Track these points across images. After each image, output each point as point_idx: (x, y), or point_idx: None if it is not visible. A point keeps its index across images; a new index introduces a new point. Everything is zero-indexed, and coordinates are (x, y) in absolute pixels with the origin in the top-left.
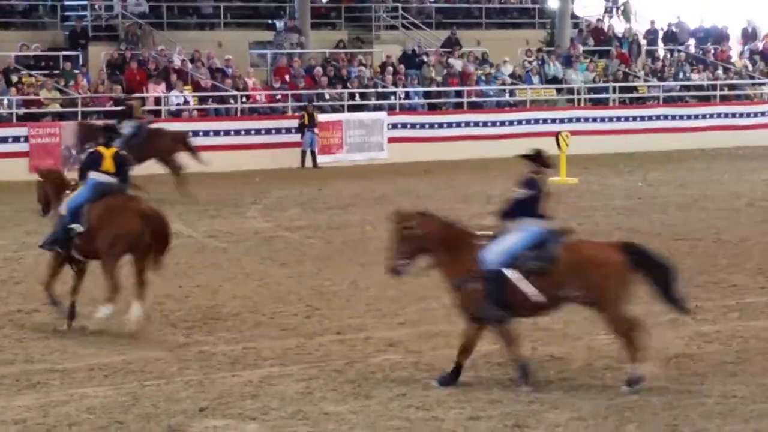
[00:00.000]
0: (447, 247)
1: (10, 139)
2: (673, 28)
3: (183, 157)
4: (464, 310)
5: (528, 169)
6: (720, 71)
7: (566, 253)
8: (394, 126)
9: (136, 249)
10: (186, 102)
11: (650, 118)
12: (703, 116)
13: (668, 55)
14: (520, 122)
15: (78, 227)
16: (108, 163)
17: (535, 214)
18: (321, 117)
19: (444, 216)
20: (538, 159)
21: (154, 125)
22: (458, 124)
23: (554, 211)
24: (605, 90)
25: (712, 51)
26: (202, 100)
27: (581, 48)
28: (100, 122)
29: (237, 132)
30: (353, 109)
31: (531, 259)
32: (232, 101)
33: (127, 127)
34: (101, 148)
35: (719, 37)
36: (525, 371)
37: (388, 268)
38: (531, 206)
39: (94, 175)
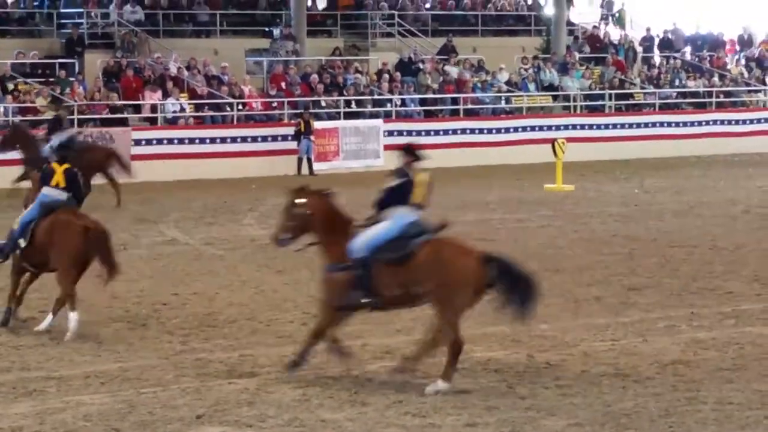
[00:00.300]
0: (328, 231)
1: None
2: (669, 35)
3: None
4: (328, 296)
5: (403, 161)
6: (716, 78)
7: (426, 249)
8: (390, 133)
9: (77, 264)
10: (182, 109)
11: (646, 125)
12: (699, 123)
13: (664, 62)
14: (516, 129)
15: (21, 242)
16: (58, 178)
17: (405, 204)
18: (317, 124)
19: (336, 199)
20: (411, 152)
21: (85, 138)
22: (454, 132)
23: (430, 203)
24: (601, 97)
25: (708, 58)
26: (198, 107)
27: (577, 55)
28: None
29: (233, 139)
30: (349, 116)
31: (390, 251)
32: (228, 108)
33: (57, 139)
34: (54, 164)
35: (715, 43)
36: (301, 359)
37: (272, 237)
38: (402, 197)
39: (45, 191)
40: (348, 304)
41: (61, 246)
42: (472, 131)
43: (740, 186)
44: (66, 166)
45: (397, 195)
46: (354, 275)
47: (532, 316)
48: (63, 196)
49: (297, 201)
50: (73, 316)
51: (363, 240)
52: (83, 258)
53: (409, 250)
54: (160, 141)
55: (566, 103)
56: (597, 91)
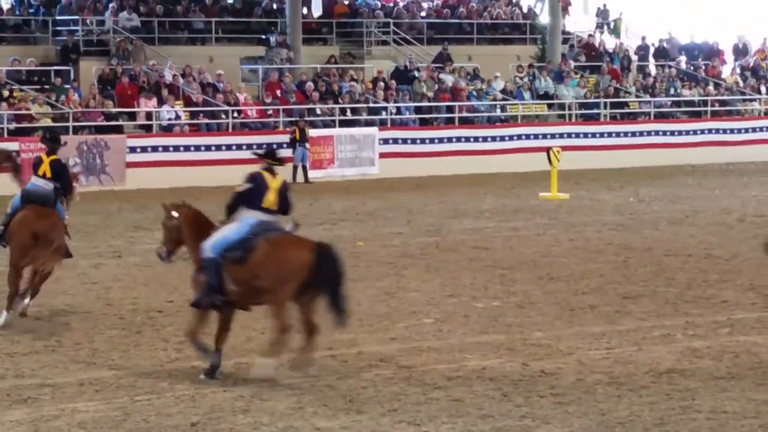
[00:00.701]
0: (196, 238)
1: None
2: (664, 44)
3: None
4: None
5: (260, 166)
6: (711, 87)
7: (263, 246)
8: (386, 141)
9: (31, 259)
10: (177, 117)
11: (641, 133)
12: (694, 132)
13: (659, 71)
14: (511, 138)
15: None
16: (44, 168)
17: (256, 207)
18: (312, 132)
19: (200, 211)
20: (269, 157)
21: None
22: (449, 140)
23: (293, 207)
24: (596, 105)
25: (703, 67)
26: (193, 114)
27: (572, 63)
28: None
29: (228, 147)
30: (345, 124)
31: (233, 249)
32: (223, 116)
33: None
34: (43, 155)
35: (710, 52)
36: (211, 365)
37: (156, 252)
38: (252, 199)
39: (33, 179)
40: (203, 302)
41: (13, 242)
42: (467, 139)
43: (735, 195)
44: (54, 157)
45: (247, 199)
46: (204, 275)
47: (346, 318)
48: (50, 186)
49: (170, 215)
50: (3, 315)
51: (211, 241)
52: (26, 256)
53: (250, 248)
54: (155, 148)
55: (561, 112)
56: (592, 100)
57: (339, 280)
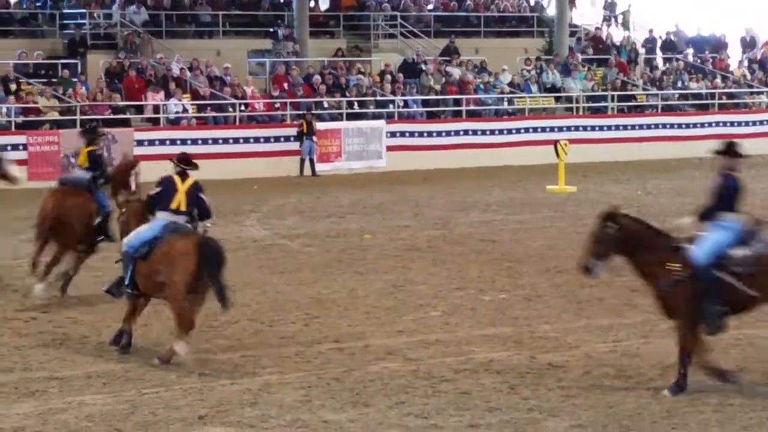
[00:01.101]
0: (137, 224)
1: (8, 147)
2: (672, 37)
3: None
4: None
5: (175, 169)
6: (718, 80)
7: (162, 245)
8: (393, 134)
9: (52, 236)
10: (185, 110)
11: (648, 126)
12: (702, 125)
13: (667, 64)
14: (518, 131)
15: None
16: (81, 159)
17: (166, 209)
18: (319, 125)
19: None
20: (180, 161)
21: None
22: (457, 133)
23: (189, 207)
24: (603, 98)
25: (711, 60)
26: (200, 108)
27: (580, 56)
28: None
29: (236, 140)
30: (352, 117)
31: (143, 247)
32: (230, 109)
33: None
34: (82, 146)
35: (717, 45)
36: (119, 338)
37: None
38: (162, 202)
39: (74, 170)
40: (114, 292)
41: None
42: (475, 132)
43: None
44: (91, 148)
45: (157, 201)
46: (123, 267)
47: (227, 305)
48: (87, 176)
49: (120, 210)
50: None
51: (129, 238)
52: (45, 233)
53: (154, 247)
54: (162, 142)
55: (569, 105)
56: (599, 93)
57: (219, 270)
